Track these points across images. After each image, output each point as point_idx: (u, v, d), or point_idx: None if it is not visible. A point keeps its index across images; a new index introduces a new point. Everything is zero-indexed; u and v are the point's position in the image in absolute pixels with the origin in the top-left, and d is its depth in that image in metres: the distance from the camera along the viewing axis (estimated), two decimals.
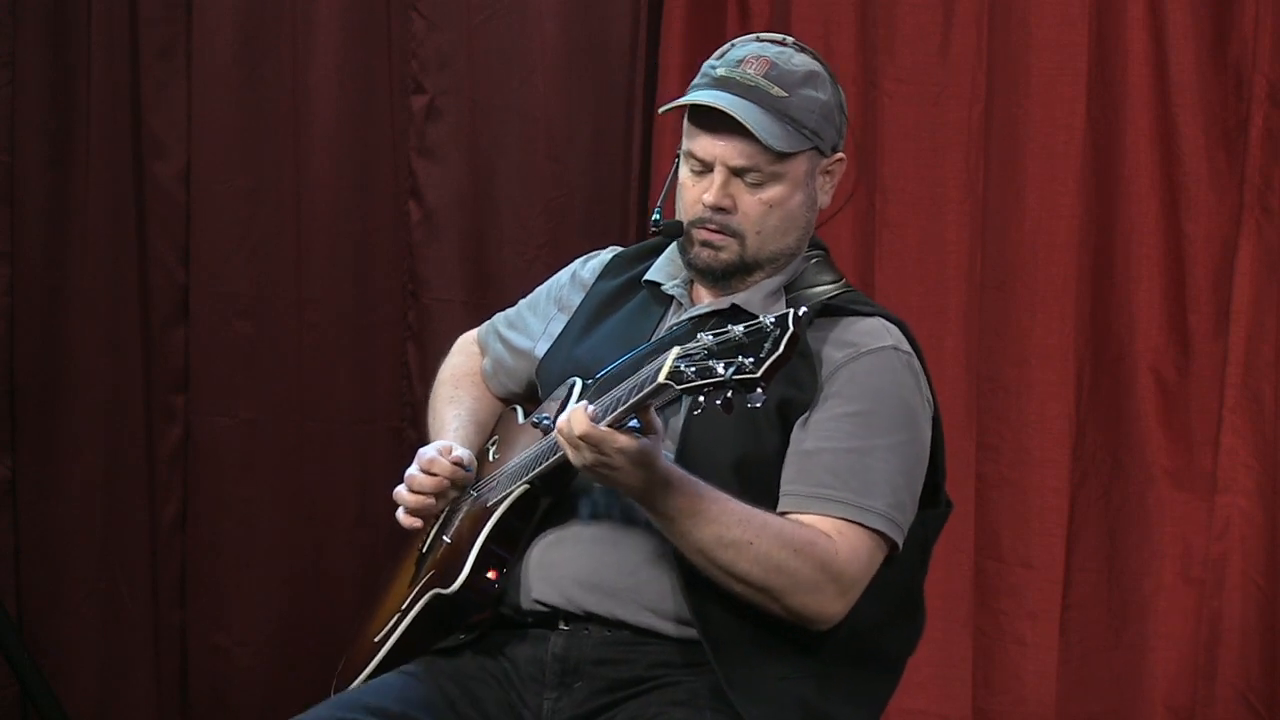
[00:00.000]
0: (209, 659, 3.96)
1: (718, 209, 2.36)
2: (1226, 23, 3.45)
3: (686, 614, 2.30)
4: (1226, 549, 3.44)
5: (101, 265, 3.88)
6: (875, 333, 2.36)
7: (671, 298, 2.48)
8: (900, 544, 2.32)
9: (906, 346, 2.38)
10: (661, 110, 2.41)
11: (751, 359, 2.01)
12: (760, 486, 2.30)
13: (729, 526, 2.22)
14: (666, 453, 2.33)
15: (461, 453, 2.48)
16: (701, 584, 2.27)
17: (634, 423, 2.17)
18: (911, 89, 3.57)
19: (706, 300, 2.44)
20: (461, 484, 2.48)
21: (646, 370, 2.13)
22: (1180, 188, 3.47)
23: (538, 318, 2.63)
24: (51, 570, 3.94)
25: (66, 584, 3.93)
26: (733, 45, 2.42)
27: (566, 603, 2.35)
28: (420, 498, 2.46)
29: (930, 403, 2.39)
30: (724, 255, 2.38)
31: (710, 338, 2.06)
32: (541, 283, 2.70)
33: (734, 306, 2.39)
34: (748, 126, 2.30)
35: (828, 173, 2.42)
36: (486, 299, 3.75)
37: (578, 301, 2.58)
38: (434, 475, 2.45)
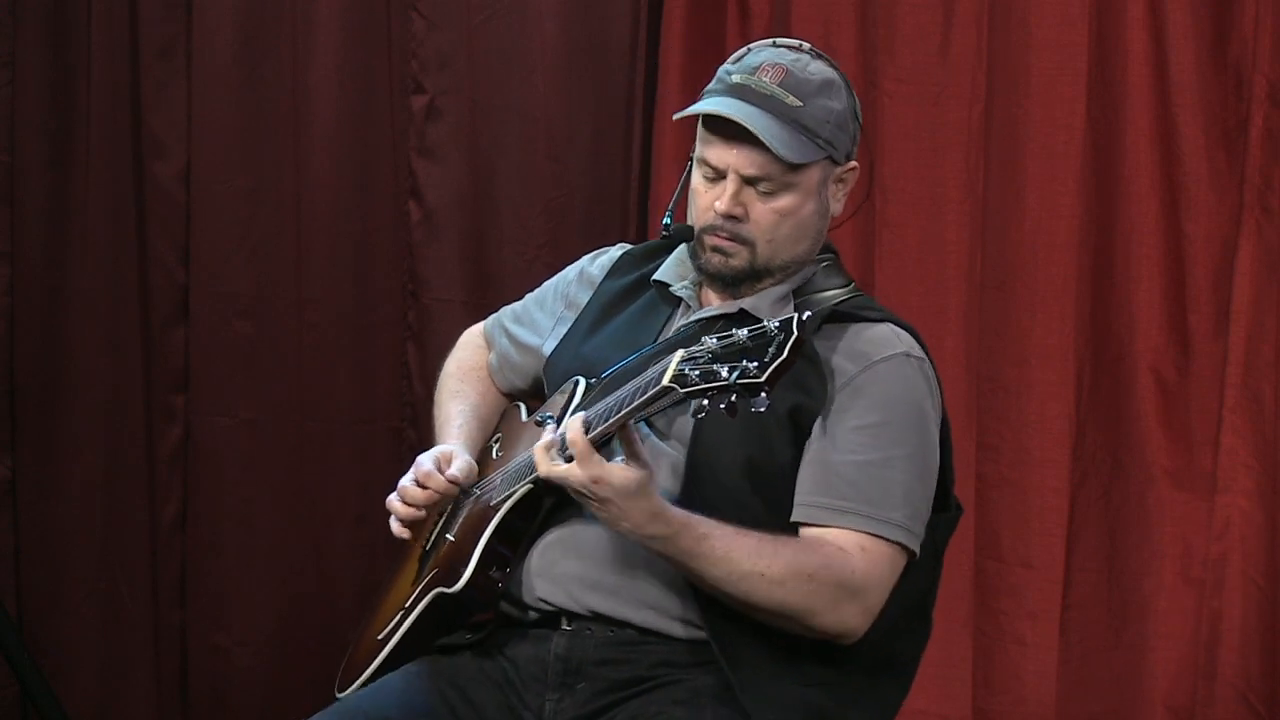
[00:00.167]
0: (209, 659, 3.96)
1: (729, 217, 2.35)
2: (1226, 23, 3.45)
3: (692, 614, 2.30)
4: (1226, 549, 3.44)
5: (101, 265, 3.88)
6: (886, 340, 2.36)
7: (679, 299, 2.48)
8: (918, 553, 2.32)
9: (918, 351, 2.38)
10: (676, 116, 2.39)
11: (755, 363, 2.01)
12: (770, 491, 2.30)
13: (739, 562, 2.21)
14: (676, 453, 2.33)
15: (459, 467, 2.46)
16: None
17: (619, 458, 2.17)
18: (911, 89, 3.57)
19: (715, 303, 2.44)
20: (456, 496, 2.48)
21: (650, 373, 2.13)
22: (1180, 188, 3.47)
23: (545, 314, 2.63)
24: (51, 570, 3.93)
25: (66, 584, 3.93)
26: (749, 50, 2.41)
27: (570, 601, 2.34)
28: (412, 510, 2.46)
29: (939, 407, 2.39)
30: (734, 262, 2.38)
31: (714, 341, 2.06)
32: (543, 282, 2.70)
33: (742, 311, 2.39)
34: (761, 138, 2.30)
35: (841, 180, 2.42)
36: (486, 299, 3.75)
37: (585, 299, 2.57)
38: (427, 490, 2.45)
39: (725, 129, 2.33)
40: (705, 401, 2.04)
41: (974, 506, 3.51)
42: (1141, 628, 3.51)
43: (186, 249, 3.92)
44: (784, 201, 2.35)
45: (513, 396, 2.68)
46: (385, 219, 3.88)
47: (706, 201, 2.37)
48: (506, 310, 2.73)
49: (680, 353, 2.08)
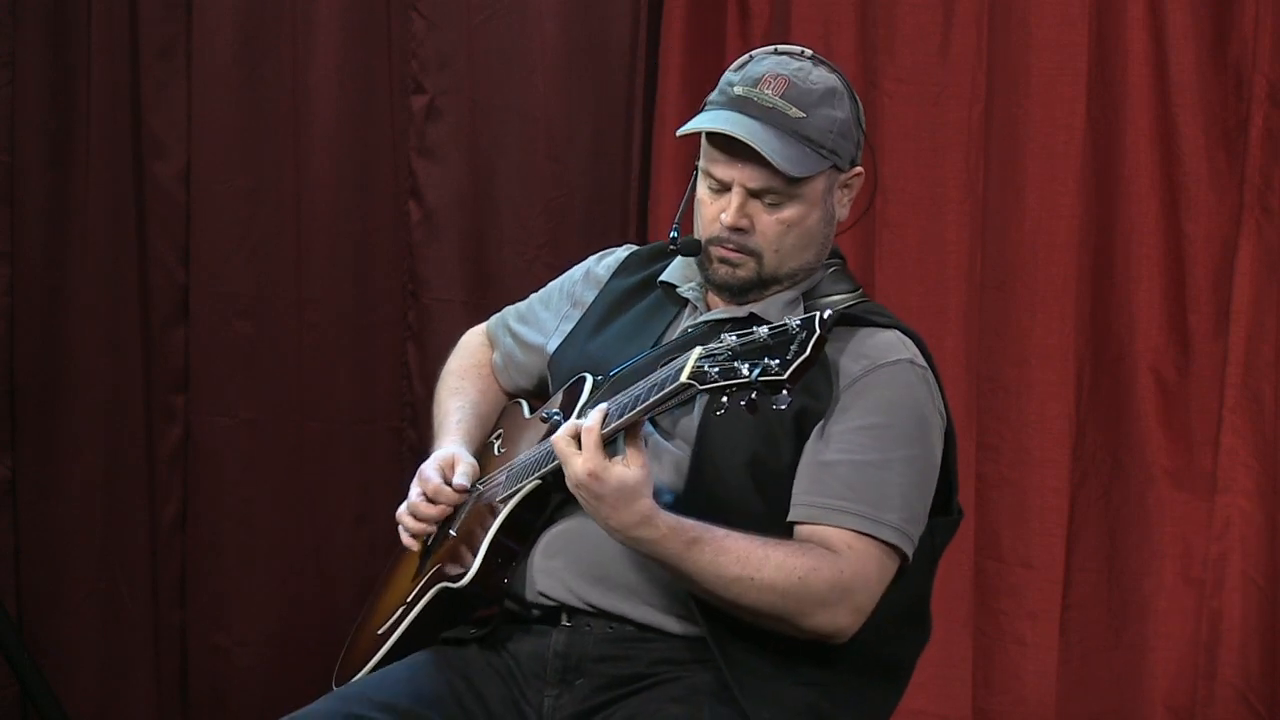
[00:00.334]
0: (209, 659, 3.96)
1: (736, 229, 2.36)
2: (1226, 23, 3.45)
3: (689, 612, 2.30)
4: (1226, 549, 3.44)
5: (101, 265, 3.88)
6: (892, 346, 2.37)
7: (686, 300, 2.48)
8: (911, 556, 2.32)
9: (922, 361, 2.39)
10: (680, 133, 2.39)
11: (778, 360, 2.02)
12: (772, 491, 2.31)
13: (727, 566, 2.22)
14: (680, 452, 2.34)
15: (463, 472, 2.47)
16: None
17: (619, 456, 2.17)
18: (911, 89, 3.57)
19: (722, 307, 2.45)
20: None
21: (667, 370, 2.13)
22: (1180, 188, 3.47)
23: (550, 313, 2.63)
24: (51, 570, 3.93)
25: (66, 584, 3.93)
26: (751, 58, 2.42)
27: (570, 597, 2.35)
28: (424, 526, 2.48)
29: (944, 416, 2.40)
30: (741, 272, 2.39)
31: (734, 338, 2.06)
32: (542, 283, 2.70)
33: (751, 315, 2.39)
34: (766, 155, 2.30)
35: (846, 187, 2.43)
36: (486, 299, 3.75)
37: (591, 298, 2.58)
38: (439, 505, 2.46)
39: (729, 144, 2.34)
40: (725, 398, 2.05)
41: (974, 506, 3.51)
42: (1141, 628, 3.51)
43: (186, 249, 3.91)
44: (790, 212, 2.36)
45: (516, 396, 2.68)
46: (385, 219, 3.88)
47: (712, 213, 2.38)
48: (510, 310, 2.73)
49: (698, 350, 2.09)
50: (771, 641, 2.28)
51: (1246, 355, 3.42)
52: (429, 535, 2.51)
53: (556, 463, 2.25)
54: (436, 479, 2.47)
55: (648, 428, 2.31)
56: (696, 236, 2.42)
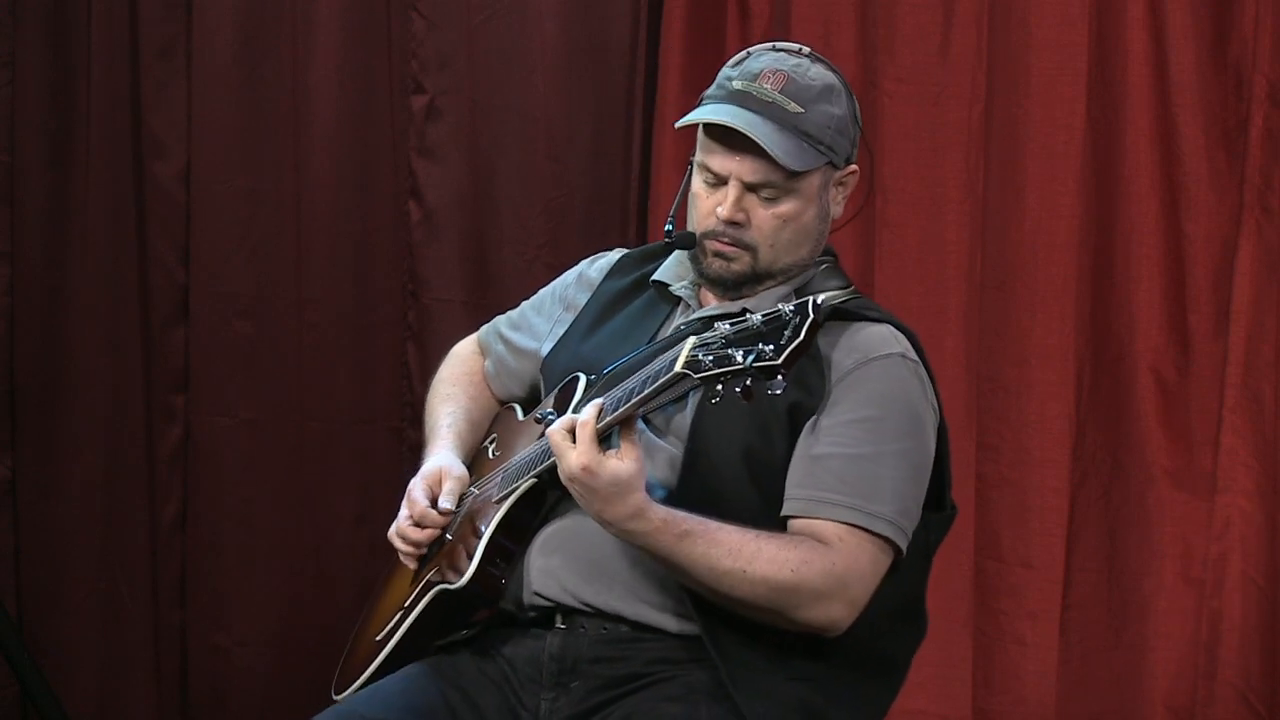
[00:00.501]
0: (209, 659, 3.96)
1: (732, 223, 2.37)
2: (1226, 23, 3.45)
3: (685, 608, 2.30)
4: (1226, 549, 3.44)
5: (101, 265, 3.88)
6: (884, 340, 2.37)
7: (679, 299, 2.48)
8: (904, 550, 2.32)
9: (914, 355, 2.39)
10: (678, 124, 2.40)
11: (772, 346, 2.02)
12: (767, 485, 2.31)
13: (720, 559, 2.22)
14: (674, 448, 2.34)
15: (449, 490, 2.47)
16: None
17: (613, 450, 2.17)
18: (911, 89, 3.57)
19: (714, 303, 2.44)
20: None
21: (661, 361, 2.13)
22: (1180, 188, 3.47)
23: (543, 318, 2.64)
24: (51, 570, 3.93)
25: (66, 584, 3.93)
26: (749, 54, 2.42)
27: (565, 595, 2.35)
28: (413, 549, 2.49)
29: (936, 410, 2.40)
30: (736, 266, 2.39)
31: (728, 326, 2.07)
32: (542, 283, 2.71)
33: (744, 310, 2.38)
34: (765, 147, 2.31)
35: (841, 184, 2.44)
36: (486, 299, 3.75)
37: (584, 301, 2.58)
38: (426, 530, 2.47)
39: (727, 136, 2.34)
40: (719, 386, 2.05)
41: (974, 506, 3.51)
42: (1141, 628, 3.51)
43: (186, 249, 3.91)
44: (786, 207, 2.36)
45: (508, 403, 2.68)
46: (385, 219, 3.88)
47: (708, 207, 2.38)
48: (501, 318, 2.74)
49: (692, 339, 2.09)
50: (766, 636, 2.29)
51: (1246, 355, 3.42)
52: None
53: (552, 460, 2.25)
54: (423, 502, 2.47)
55: (641, 426, 2.30)
56: (691, 230, 2.42)
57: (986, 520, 3.54)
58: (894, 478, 2.30)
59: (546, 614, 2.37)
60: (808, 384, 2.30)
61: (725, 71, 2.41)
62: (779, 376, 2.01)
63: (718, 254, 2.39)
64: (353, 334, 3.90)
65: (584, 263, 2.65)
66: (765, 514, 2.29)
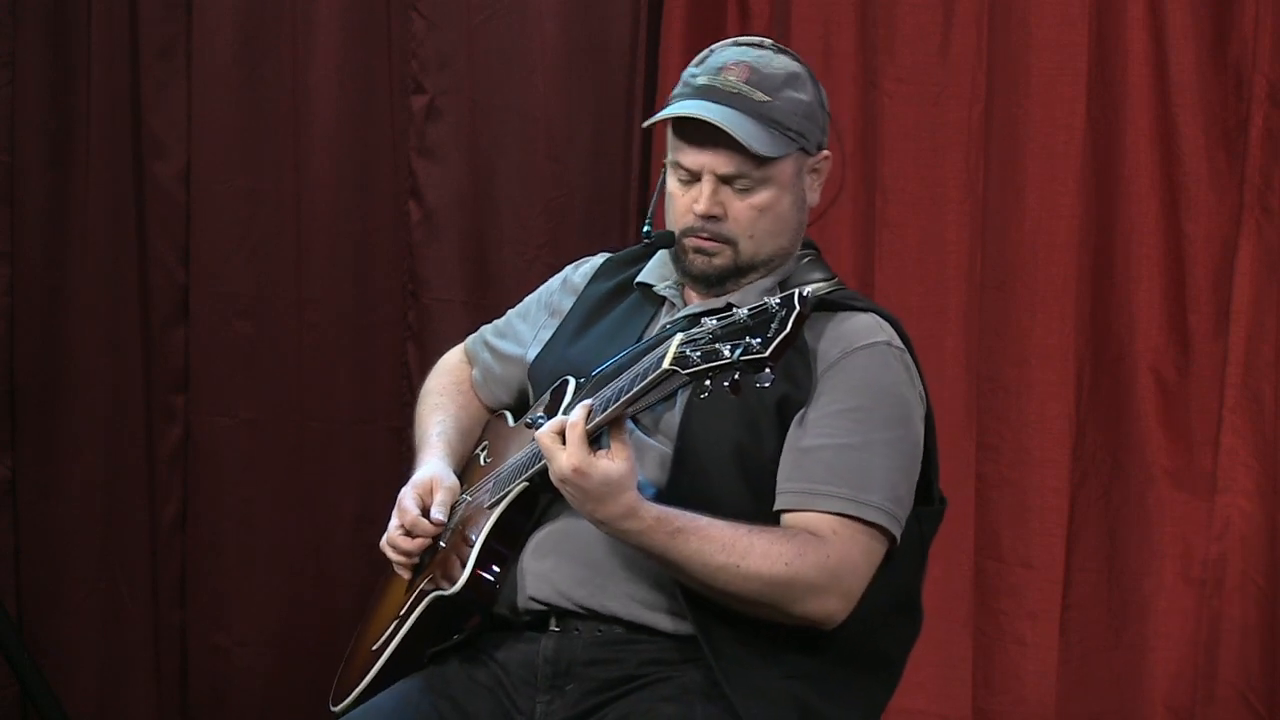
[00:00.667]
0: (209, 659, 3.96)
1: (709, 217, 2.37)
2: (1226, 23, 3.44)
3: (681, 608, 2.30)
4: (1226, 549, 3.44)
5: (101, 265, 3.88)
6: (869, 328, 2.37)
7: (664, 299, 2.49)
8: (899, 538, 2.32)
9: (899, 342, 2.39)
10: (646, 124, 2.42)
11: (759, 339, 2.02)
12: (758, 481, 2.31)
13: (713, 555, 2.22)
14: (664, 447, 2.34)
15: (441, 501, 2.47)
16: None
17: (603, 450, 2.17)
18: (911, 89, 3.57)
19: (699, 300, 2.45)
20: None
21: (649, 359, 2.13)
22: (1180, 188, 3.47)
23: (528, 324, 2.64)
24: (51, 570, 3.94)
25: (66, 584, 3.93)
26: (711, 51, 2.43)
27: (560, 599, 2.35)
28: (405, 559, 2.48)
29: (923, 398, 2.40)
30: (718, 261, 2.39)
31: (714, 322, 2.07)
32: (542, 283, 2.71)
33: (729, 305, 2.39)
34: (734, 135, 2.31)
35: (815, 171, 2.43)
36: (486, 299, 3.75)
37: (569, 306, 2.58)
38: (417, 539, 2.47)
39: (697, 131, 2.35)
40: (708, 381, 2.05)
41: (974, 506, 3.51)
42: (1141, 628, 3.51)
43: (186, 249, 3.92)
44: (761, 197, 2.37)
45: (496, 410, 2.68)
46: (385, 219, 3.88)
47: (684, 204, 2.39)
48: (487, 327, 2.74)
49: (679, 336, 2.09)
50: (761, 634, 2.28)
51: (1246, 355, 3.41)
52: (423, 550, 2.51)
53: (543, 463, 2.25)
54: (414, 511, 2.47)
55: (630, 426, 2.30)
56: (670, 229, 2.42)
57: (986, 520, 3.54)
58: (884, 466, 2.30)
59: (541, 617, 2.37)
60: (795, 377, 2.31)
61: (689, 70, 2.42)
62: (767, 370, 2.01)
63: (698, 250, 2.39)
64: (353, 334, 3.90)
65: (568, 268, 2.66)
66: (757, 510, 2.29)
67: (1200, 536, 3.46)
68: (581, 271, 2.63)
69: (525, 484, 2.36)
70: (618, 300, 2.53)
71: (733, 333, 2.04)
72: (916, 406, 2.37)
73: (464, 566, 2.34)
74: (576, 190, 3.79)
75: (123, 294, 3.90)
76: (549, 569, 2.36)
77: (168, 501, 3.95)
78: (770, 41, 2.43)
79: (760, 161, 2.34)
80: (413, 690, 2.39)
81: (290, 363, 3.90)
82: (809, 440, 2.30)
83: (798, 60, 2.42)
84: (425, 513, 2.46)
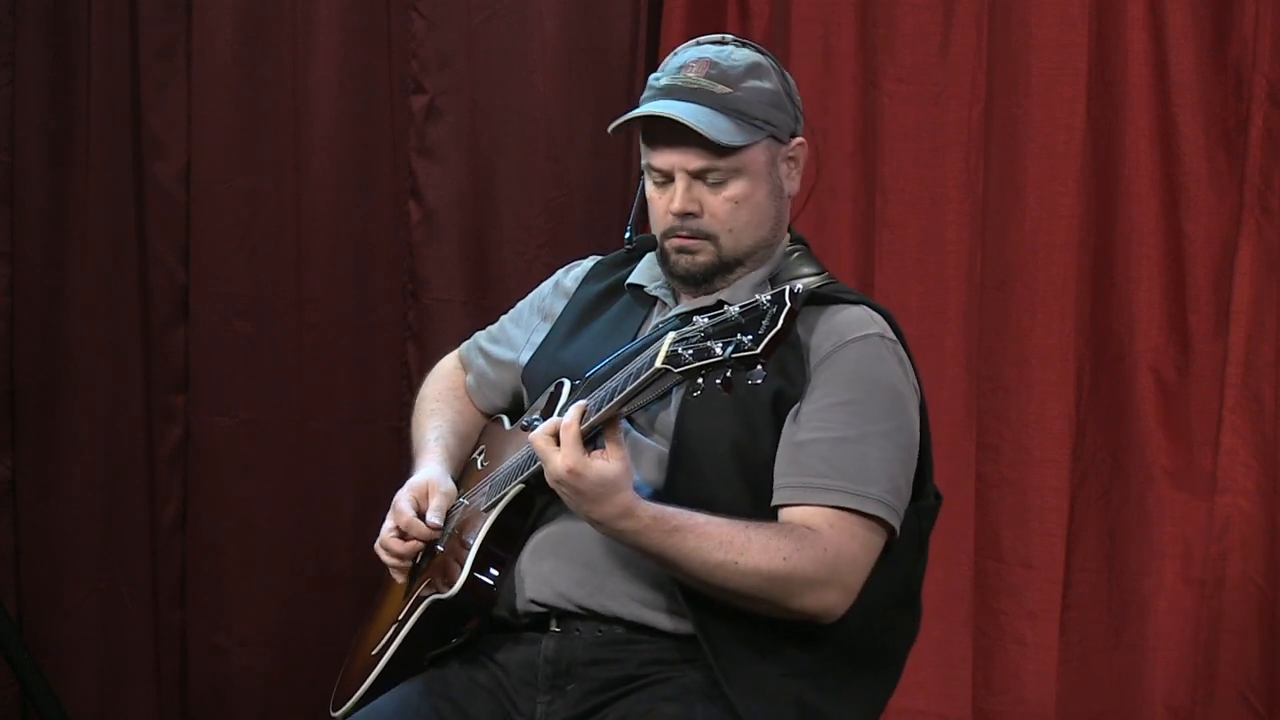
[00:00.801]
0: (209, 659, 3.96)
1: (686, 214, 2.37)
2: (1226, 23, 3.44)
3: (680, 606, 2.30)
4: (1226, 549, 3.43)
5: (101, 265, 3.88)
6: (860, 321, 2.37)
7: (655, 299, 2.49)
8: (898, 530, 2.32)
9: (891, 334, 2.39)
10: (611, 129, 2.41)
11: (750, 336, 2.02)
12: (754, 478, 2.31)
13: (711, 552, 2.22)
14: (660, 446, 2.34)
15: (436, 505, 2.47)
16: None
17: (598, 450, 2.17)
18: (911, 89, 3.57)
19: (689, 300, 2.45)
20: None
21: (641, 359, 2.13)
22: (1180, 188, 3.47)
23: (521, 329, 2.65)
24: (51, 570, 3.94)
25: (66, 584, 3.93)
26: (674, 54, 2.44)
27: (558, 598, 2.35)
28: (399, 562, 2.49)
29: (917, 390, 2.40)
30: (701, 258, 2.40)
31: (706, 320, 2.07)
32: (539, 284, 2.72)
33: (719, 302, 2.39)
34: (695, 129, 2.31)
35: (791, 159, 2.44)
36: (486, 299, 3.75)
37: (561, 309, 2.59)
38: (410, 541, 2.47)
39: (664, 132, 2.35)
40: (700, 379, 2.05)
41: (974, 506, 3.51)
42: (1141, 628, 3.51)
43: (186, 249, 3.92)
44: (735, 189, 2.37)
45: (492, 415, 2.68)
46: (385, 219, 3.89)
47: (662, 207, 2.40)
48: (481, 333, 2.75)
49: (671, 335, 2.09)
50: (760, 631, 2.28)
51: (1246, 355, 3.41)
52: (417, 553, 2.51)
53: (539, 465, 2.25)
54: (409, 512, 2.47)
55: (626, 425, 2.30)
56: (652, 234, 2.43)
57: (986, 520, 3.54)
58: (880, 458, 2.30)
59: (541, 619, 2.37)
60: (788, 372, 2.31)
61: (653, 75, 2.43)
62: (759, 366, 2.02)
63: (680, 249, 2.40)
64: (353, 334, 3.90)
65: (559, 272, 2.67)
66: (755, 507, 2.29)
67: (1200, 536, 3.46)
68: (573, 275, 2.63)
69: (521, 486, 2.36)
70: (610, 302, 2.53)
71: (724, 330, 2.04)
72: (911, 397, 2.38)
73: (461, 569, 2.34)
74: (576, 190, 3.79)
75: (123, 294, 3.90)
76: (548, 571, 2.36)
77: (168, 501, 3.95)
78: (733, 37, 2.45)
79: (727, 152, 2.34)
80: (413, 693, 2.39)
81: (290, 363, 3.90)
82: (804, 434, 2.30)
83: (760, 51, 2.43)
84: (421, 515, 2.46)
